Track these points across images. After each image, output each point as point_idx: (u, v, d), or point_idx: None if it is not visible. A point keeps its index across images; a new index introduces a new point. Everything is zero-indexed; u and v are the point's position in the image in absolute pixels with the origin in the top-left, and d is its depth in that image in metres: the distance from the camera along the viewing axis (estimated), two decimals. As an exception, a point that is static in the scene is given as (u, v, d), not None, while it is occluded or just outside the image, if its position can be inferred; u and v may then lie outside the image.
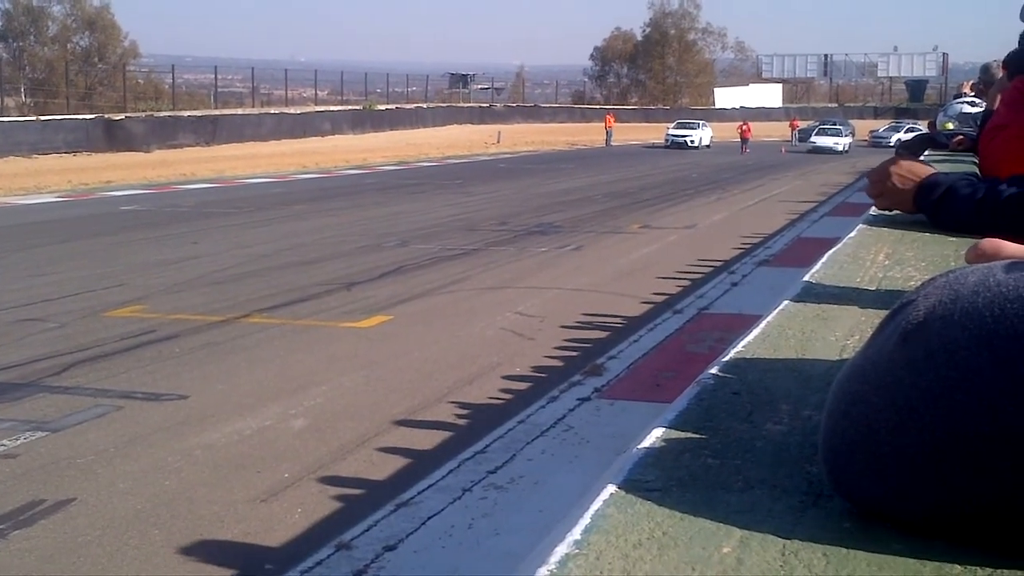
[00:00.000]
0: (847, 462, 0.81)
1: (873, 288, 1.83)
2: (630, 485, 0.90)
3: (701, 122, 65.92)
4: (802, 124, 69.87)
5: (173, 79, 61.59)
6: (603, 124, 64.87)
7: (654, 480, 0.91)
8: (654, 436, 1.03)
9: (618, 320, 11.52)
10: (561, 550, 0.77)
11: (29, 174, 31.35)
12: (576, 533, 0.80)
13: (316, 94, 69.13)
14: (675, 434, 1.04)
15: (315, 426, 7.89)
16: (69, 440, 7.50)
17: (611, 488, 0.89)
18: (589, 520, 0.83)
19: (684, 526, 0.81)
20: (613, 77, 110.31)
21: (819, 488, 0.87)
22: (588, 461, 6.67)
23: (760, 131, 72.18)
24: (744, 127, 57.50)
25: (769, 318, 1.61)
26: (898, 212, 2.61)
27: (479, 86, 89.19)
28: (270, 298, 12.66)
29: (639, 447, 0.99)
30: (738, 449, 0.99)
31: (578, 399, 8.26)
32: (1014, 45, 4.93)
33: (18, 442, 7.43)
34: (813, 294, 1.79)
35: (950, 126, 8.56)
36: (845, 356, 1.35)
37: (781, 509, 0.84)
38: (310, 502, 6.46)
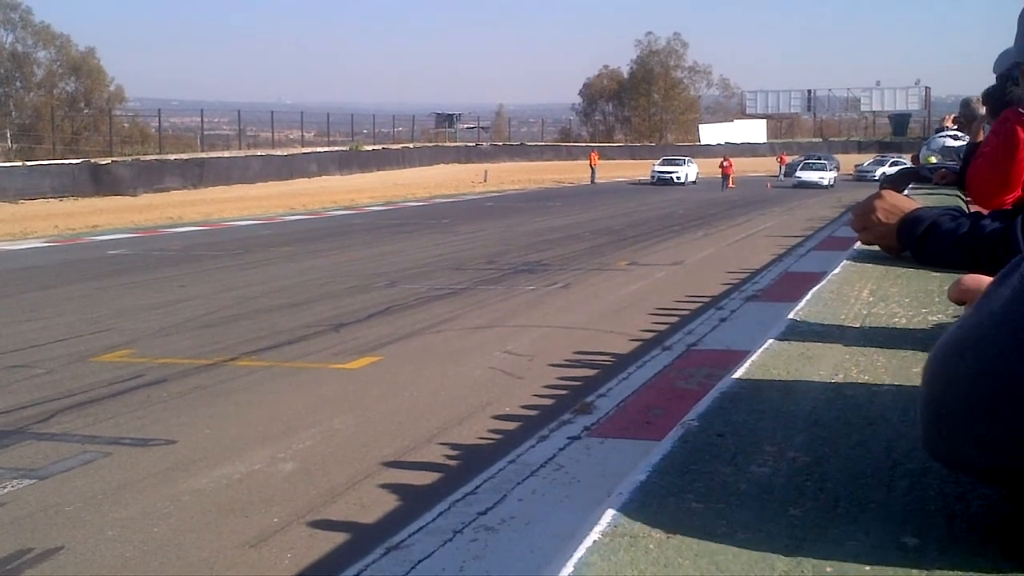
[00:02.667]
0: (961, 407, 0.78)
1: (857, 325, 1.83)
2: (614, 532, 0.89)
3: (687, 158, 66.24)
4: (788, 159, 70.41)
5: (159, 123, 61.73)
6: (588, 161, 65.19)
7: (638, 526, 0.90)
8: (638, 480, 1.02)
9: (607, 357, 11.50)
10: (544, 600, 0.77)
11: (15, 219, 31.33)
12: (559, 583, 0.80)
13: (303, 136, 69.36)
14: (659, 478, 1.04)
15: (304, 469, 7.84)
16: (57, 487, 7.44)
17: (595, 535, 0.88)
18: (572, 569, 0.82)
19: (667, 574, 0.80)
20: (599, 114, 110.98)
21: (803, 532, 0.87)
22: (579, 500, 6.64)
23: (746, 166, 72.61)
24: (726, 164, 57.61)
25: (754, 357, 1.60)
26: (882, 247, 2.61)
27: (465, 125, 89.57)
28: (258, 341, 12.62)
29: (623, 492, 0.99)
30: (722, 492, 0.98)
31: (568, 438, 8.23)
32: (994, 78, 4.99)
33: (5, 490, 7.37)
34: (798, 332, 1.79)
35: (933, 160, 8.62)
36: (830, 394, 1.35)
37: (765, 554, 0.83)
38: (300, 547, 6.41)
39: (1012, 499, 0.79)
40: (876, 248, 2.65)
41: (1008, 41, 3.27)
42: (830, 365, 1.52)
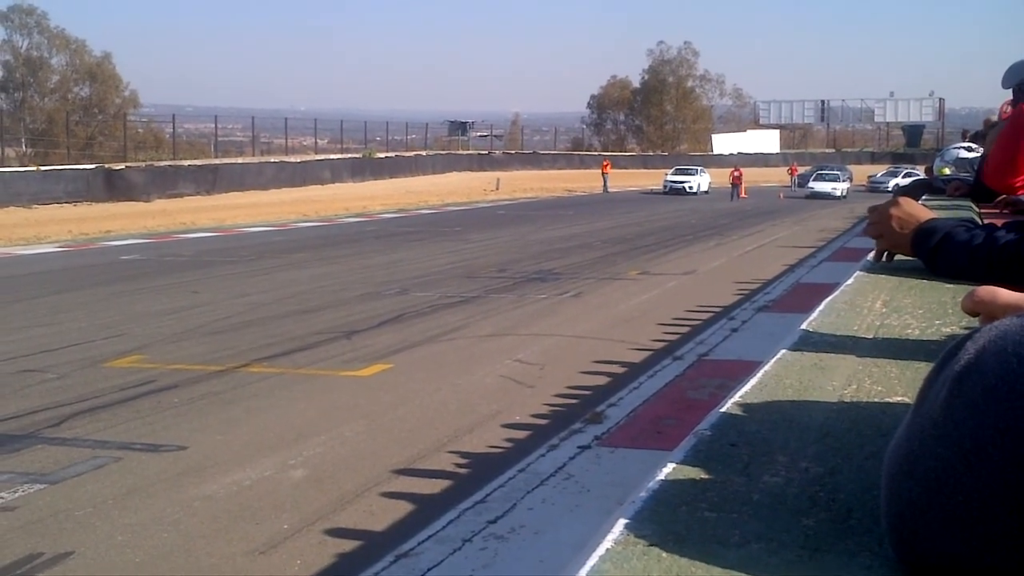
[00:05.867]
0: (916, 523, 0.78)
1: (870, 336, 1.83)
2: (626, 540, 0.89)
3: (700, 168, 65.92)
4: (801, 170, 70.07)
5: (173, 128, 61.88)
6: (600, 170, 65.17)
7: (651, 535, 0.90)
8: (650, 489, 1.02)
9: (618, 367, 11.49)
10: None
11: (29, 224, 31.44)
12: (571, 591, 0.80)
13: (316, 142, 69.59)
14: (672, 487, 1.03)
15: (315, 476, 7.85)
16: (67, 492, 7.46)
17: (607, 544, 0.88)
18: (584, 577, 0.82)
19: (680, 583, 0.80)
20: (611, 124, 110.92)
21: (815, 543, 0.86)
22: (589, 510, 6.62)
23: (758, 177, 72.51)
24: (736, 173, 57.00)
25: (766, 367, 1.60)
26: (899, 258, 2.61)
27: (478, 133, 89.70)
28: (270, 347, 12.64)
29: (635, 500, 0.99)
30: (735, 502, 0.98)
31: (578, 447, 8.22)
32: (1009, 92, 5.03)
33: (16, 494, 7.38)
34: (810, 343, 1.78)
35: (947, 171, 8.61)
36: (843, 405, 1.34)
37: (778, 564, 0.83)
38: (309, 554, 6.41)
39: None
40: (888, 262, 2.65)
41: (1019, 54, 3.28)
42: (843, 376, 1.52)
